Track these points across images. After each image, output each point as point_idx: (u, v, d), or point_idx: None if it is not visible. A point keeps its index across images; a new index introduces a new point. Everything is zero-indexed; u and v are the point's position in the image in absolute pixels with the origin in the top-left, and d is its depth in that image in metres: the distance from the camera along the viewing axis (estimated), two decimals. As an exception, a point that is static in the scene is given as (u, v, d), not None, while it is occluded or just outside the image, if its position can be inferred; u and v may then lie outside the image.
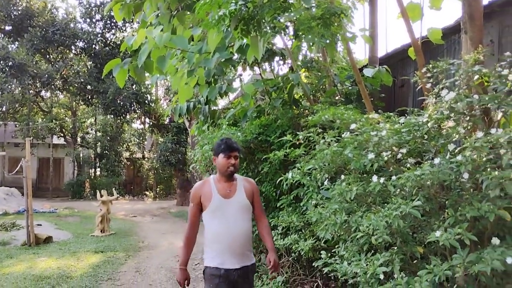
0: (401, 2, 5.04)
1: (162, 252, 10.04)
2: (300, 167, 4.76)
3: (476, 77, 3.28)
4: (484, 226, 3.16)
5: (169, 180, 30.79)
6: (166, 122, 25.07)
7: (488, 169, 2.93)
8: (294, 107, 6.97)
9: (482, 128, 3.25)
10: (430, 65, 3.59)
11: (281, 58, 7.88)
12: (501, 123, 3.50)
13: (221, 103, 12.14)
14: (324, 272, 4.35)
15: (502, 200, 2.90)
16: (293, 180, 4.81)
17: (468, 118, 3.27)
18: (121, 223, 15.08)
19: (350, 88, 7.04)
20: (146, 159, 32.84)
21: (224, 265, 3.45)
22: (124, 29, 24.67)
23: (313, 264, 4.76)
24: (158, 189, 31.05)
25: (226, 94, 7.57)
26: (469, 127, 3.31)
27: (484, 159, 2.97)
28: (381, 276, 3.27)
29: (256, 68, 8.38)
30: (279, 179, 5.09)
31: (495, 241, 2.96)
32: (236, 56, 6.47)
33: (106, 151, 29.02)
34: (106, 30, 24.62)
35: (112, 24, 24.12)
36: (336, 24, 4.03)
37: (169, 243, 11.38)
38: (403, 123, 3.67)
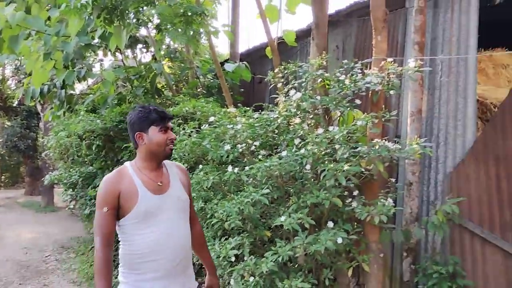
0: (259, 3, 5.40)
1: (8, 245, 9.31)
2: (160, 157, 4.86)
3: (319, 80, 3.71)
4: (322, 212, 3.60)
5: (17, 167, 28.26)
6: (14, 105, 22.95)
7: (326, 162, 3.35)
8: (157, 96, 7.00)
9: (323, 125, 3.68)
10: (282, 66, 3.95)
11: (144, 45, 7.82)
12: (340, 121, 4.00)
13: (79, 87, 11.56)
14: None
15: (336, 189, 3.34)
16: (153, 169, 4.89)
17: (311, 116, 3.68)
18: (-43, 215, 13.57)
19: (211, 81, 7.28)
20: (-11, 144, 29.72)
21: None
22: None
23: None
24: (3, 177, 28.37)
25: (84, 79, 7.30)
26: (312, 124, 3.74)
27: (323, 152, 3.39)
28: (233, 259, 3.56)
29: (118, 53, 8.19)
30: (139, 168, 5.13)
31: (330, 224, 3.42)
32: (96, 41, 6.28)
33: None
34: None
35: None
36: (198, 22, 4.21)
37: (16, 234, 10.58)
38: (257, 118, 3.98)
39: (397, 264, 4.47)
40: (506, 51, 5.46)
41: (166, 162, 2.54)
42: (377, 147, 3.22)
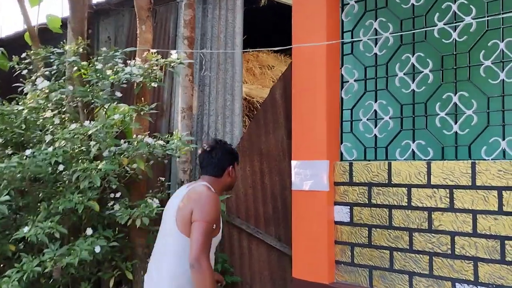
0: (15, -18, 4.66)
1: None
2: None
3: (76, 68, 3.26)
4: (81, 218, 3.19)
5: None
6: None
7: (80, 161, 2.96)
8: None
9: (81, 121, 3.27)
10: (32, 51, 3.40)
11: None
12: (106, 116, 3.61)
13: None
14: None
15: (92, 191, 2.97)
16: None
17: (65, 109, 3.23)
18: None
19: (-41, 69, 6.10)
20: None
21: None
22: None
23: None
24: None
25: None
26: (67, 119, 3.28)
27: (77, 150, 2.99)
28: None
29: None
30: None
31: (88, 231, 3.04)
32: None
33: None
34: None
35: None
36: None
37: None
38: (-2, 111, 3.33)
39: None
40: (271, 52, 5.82)
41: None
42: (135, 143, 2.95)
